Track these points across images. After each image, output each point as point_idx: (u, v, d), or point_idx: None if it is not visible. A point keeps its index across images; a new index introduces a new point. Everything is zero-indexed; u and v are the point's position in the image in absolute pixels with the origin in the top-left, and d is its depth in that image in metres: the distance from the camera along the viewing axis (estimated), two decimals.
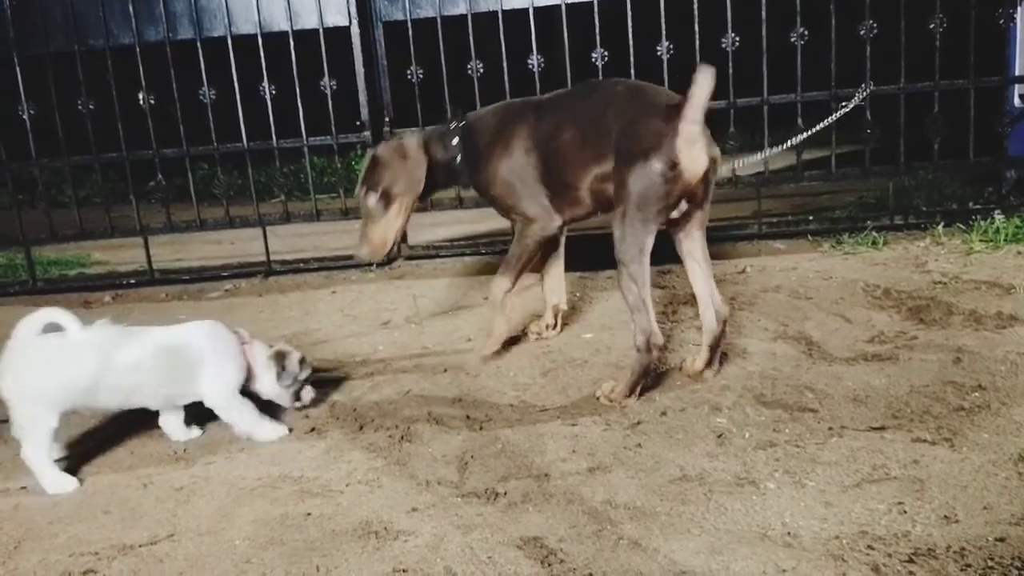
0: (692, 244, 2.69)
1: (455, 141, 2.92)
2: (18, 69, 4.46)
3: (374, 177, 2.92)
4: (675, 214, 2.57)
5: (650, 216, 2.48)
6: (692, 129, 2.41)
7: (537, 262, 3.07)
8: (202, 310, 4.15)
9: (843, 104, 2.95)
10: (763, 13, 4.22)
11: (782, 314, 3.23)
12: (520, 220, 2.87)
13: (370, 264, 2.92)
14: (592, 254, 3.92)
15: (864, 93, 2.97)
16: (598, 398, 2.59)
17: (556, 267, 3.22)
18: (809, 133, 2.99)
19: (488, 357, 2.98)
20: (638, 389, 2.56)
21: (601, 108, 2.65)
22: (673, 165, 2.43)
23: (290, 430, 2.54)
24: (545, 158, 2.76)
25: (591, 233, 3.42)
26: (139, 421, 2.77)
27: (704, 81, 2.37)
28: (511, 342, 3.16)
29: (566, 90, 2.98)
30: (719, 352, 2.71)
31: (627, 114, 2.57)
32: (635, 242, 2.48)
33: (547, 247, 3.03)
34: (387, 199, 2.92)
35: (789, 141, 2.99)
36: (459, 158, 2.92)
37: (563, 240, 3.14)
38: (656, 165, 2.43)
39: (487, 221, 5.21)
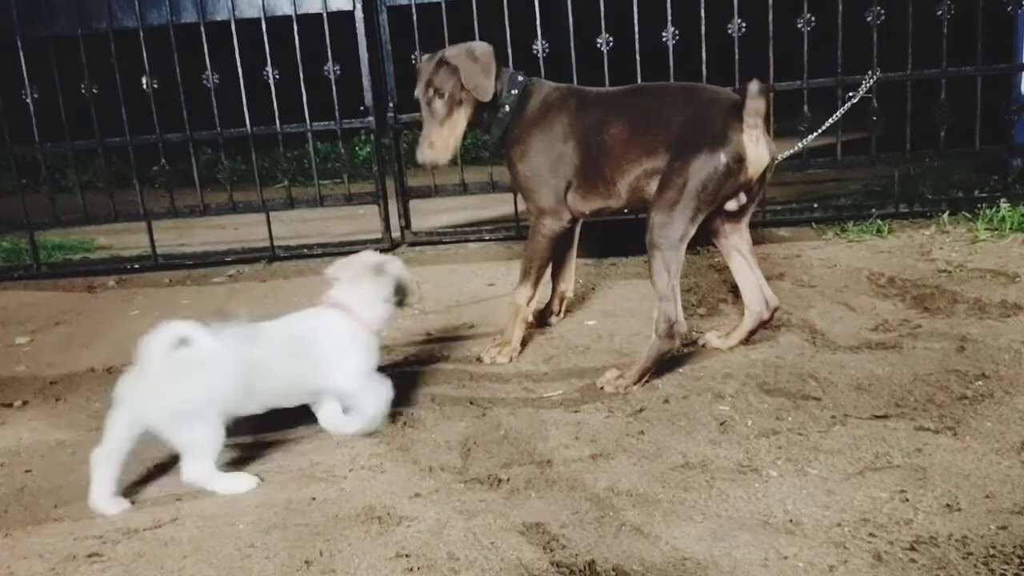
0: (739, 238, 2.79)
1: (514, 91, 2.86)
2: (21, 52, 4.45)
3: (440, 78, 2.81)
4: (732, 206, 2.62)
5: (702, 206, 2.54)
6: (757, 125, 2.49)
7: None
8: (205, 295, 4.15)
9: (851, 95, 2.94)
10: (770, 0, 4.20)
11: (786, 302, 3.22)
12: (532, 210, 2.88)
13: (431, 163, 2.86)
14: (595, 242, 3.93)
15: (871, 81, 2.96)
16: (601, 388, 2.59)
17: (568, 253, 3.21)
18: (836, 116, 2.98)
19: (504, 363, 2.90)
20: (647, 375, 2.57)
21: (656, 104, 2.70)
22: (739, 158, 2.50)
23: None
24: (586, 150, 2.76)
25: (596, 221, 3.40)
26: None
27: (757, 85, 2.45)
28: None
29: (621, 87, 2.98)
30: (752, 336, 2.85)
31: (689, 107, 2.62)
32: (679, 229, 2.53)
33: (561, 241, 2.98)
34: (452, 102, 2.83)
35: (828, 121, 3.00)
36: (507, 111, 2.87)
37: (578, 230, 3.13)
38: (723, 156, 2.49)
39: (491, 207, 5.22)
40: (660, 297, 2.55)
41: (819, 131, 3.02)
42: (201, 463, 2.10)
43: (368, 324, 2.42)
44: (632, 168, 2.69)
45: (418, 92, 2.87)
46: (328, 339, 2.35)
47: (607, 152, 2.72)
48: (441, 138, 2.86)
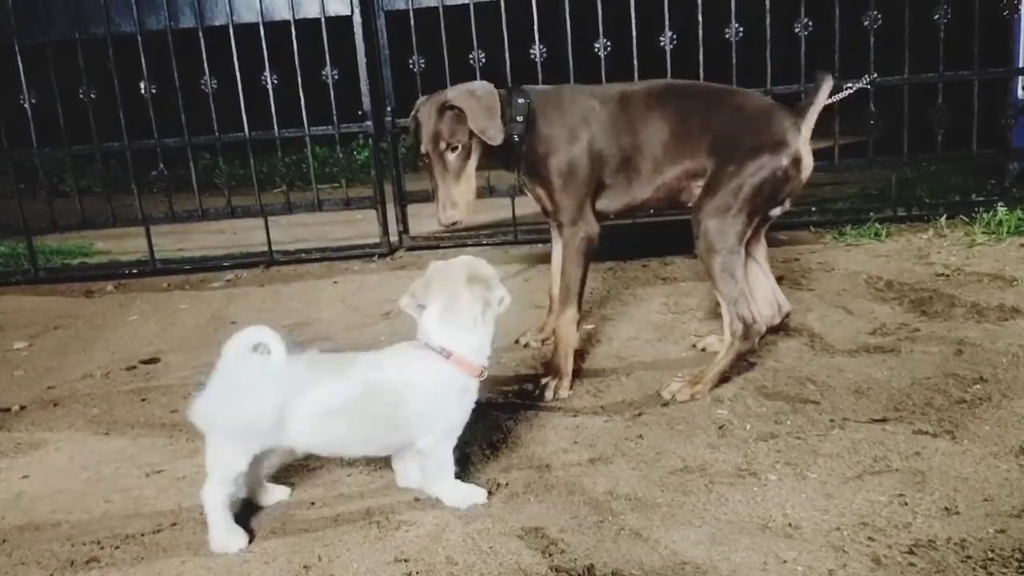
0: (756, 244, 2.76)
1: (519, 118, 2.63)
2: (19, 57, 4.45)
3: (448, 127, 2.56)
4: (777, 211, 2.63)
5: (758, 210, 2.54)
6: (809, 132, 2.52)
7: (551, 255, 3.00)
8: (203, 299, 4.15)
9: (848, 84, 2.92)
10: (767, 3, 4.20)
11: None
12: (565, 223, 2.69)
13: (454, 223, 2.60)
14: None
15: (869, 78, 2.96)
16: (670, 398, 2.49)
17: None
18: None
19: (563, 398, 2.60)
20: (720, 380, 2.55)
21: (692, 104, 2.67)
22: (797, 162, 2.51)
23: (490, 493, 2.01)
24: (618, 152, 2.66)
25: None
26: (135, 411, 2.78)
27: (826, 88, 2.48)
28: (510, 336, 3.15)
29: (639, 85, 2.85)
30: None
31: (733, 109, 2.60)
32: (736, 233, 2.51)
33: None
34: (465, 152, 2.59)
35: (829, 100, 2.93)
36: (516, 140, 2.65)
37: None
38: (783, 160, 2.49)
39: (488, 211, 5.20)
40: (729, 301, 2.52)
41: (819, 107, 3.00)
42: (209, 486, 1.87)
43: (474, 369, 1.96)
44: (672, 169, 2.64)
45: (426, 146, 2.60)
46: (419, 397, 1.91)
47: (643, 152, 2.65)
48: (461, 194, 2.62)
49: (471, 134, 2.57)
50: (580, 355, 2.94)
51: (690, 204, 2.64)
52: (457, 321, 1.93)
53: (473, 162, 2.62)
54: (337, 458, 2.12)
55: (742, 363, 2.62)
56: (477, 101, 2.56)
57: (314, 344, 2.01)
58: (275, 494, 2.07)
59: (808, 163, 2.54)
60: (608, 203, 2.74)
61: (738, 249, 2.52)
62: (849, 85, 2.95)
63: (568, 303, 2.71)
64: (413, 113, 2.69)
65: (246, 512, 1.99)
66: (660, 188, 2.69)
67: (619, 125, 2.68)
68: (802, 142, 2.51)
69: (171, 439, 2.51)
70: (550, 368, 2.68)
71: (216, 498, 1.86)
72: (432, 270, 2.00)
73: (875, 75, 4.02)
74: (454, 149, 2.58)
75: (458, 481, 2.00)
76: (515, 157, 2.69)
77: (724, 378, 2.55)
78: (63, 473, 2.34)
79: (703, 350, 2.87)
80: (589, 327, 3.24)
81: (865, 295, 3.32)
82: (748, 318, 2.51)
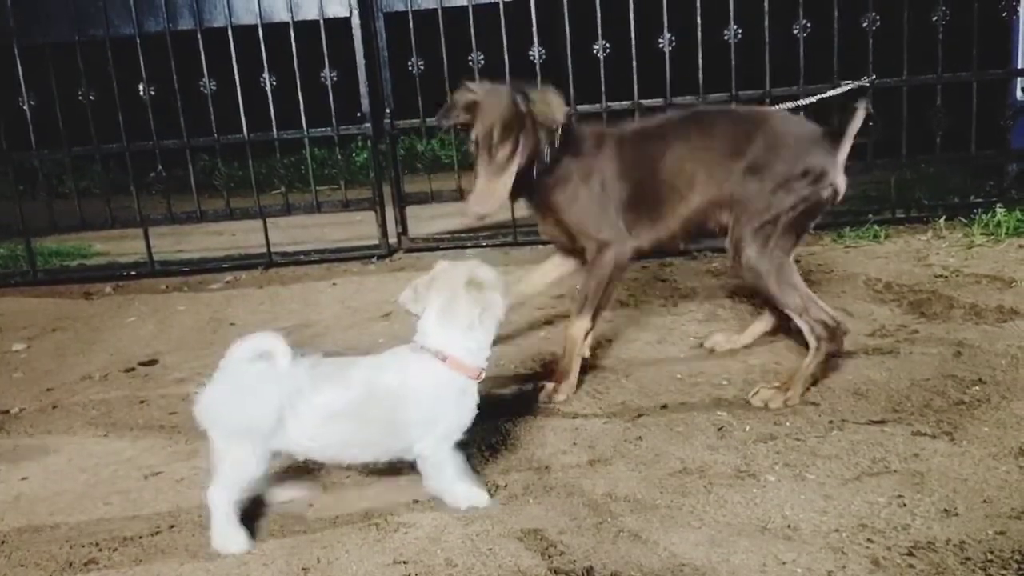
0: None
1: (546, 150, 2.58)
2: (19, 59, 4.45)
3: (509, 122, 2.48)
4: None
5: (797, 235, 2.54)
6: (844, 159, 2.52)
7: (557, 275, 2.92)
8: (202, 301, 4.15)
9: (844, 82, 2.92)
10: (766, 5, 4.21)
11: None
12: (592, 245, 2.64)
13: (482, 217, 2.53)
14: None
15: (867, 79, 2.97)
16: (763, 405, 2.42)
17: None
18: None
19: (563, 401, 2.58)
20: (810, 383, 2.51)
21: (717, 135, 2.60)
22: (835, 191, 2.51)
23: (489, 494, 2.00)
24: (640, 186, 2.62)
25: None
26: (134, 413, 2.78)
27: (860, 116, 2.48)
28: (507, 338, 3.15)
29: (660, 116, 2.82)
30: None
31: (771, 139, 2.54)
32: (779, 256, 2.50)
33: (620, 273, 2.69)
34: (514, 150, 2.51)
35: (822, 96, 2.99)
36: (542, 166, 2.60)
37: None
38: (825, 190, 2.49)
39: None
40: (799, 312, 2.49)
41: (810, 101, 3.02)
42: (214, 488, 1.86)
43: (472, 371, 1.95)
44: (698, 201, 2.59)
45: (482, 133, 2.52)
46: (418, 398, 1.91)
47: (667, 185, 2.60)
48: (496, 190, 2.54)
49: (527, 136, 2.50)
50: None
51: (719, 231, 2.61)
52: (455, 323, 1.92)
53: (515, 164, 2.52)
54: (336, 464, 2.10)
55: (831, 365, 2.58)
56: (512, 112, 2.49)
57: (314, 346, 2.01)
58: (289, 492, 2.07)
59: (843, 190, 2.54)
60: (636, 240, 2.66)
61: (785, 260, 2.51)
62: (846, 82, 2.97)
63: (583, 311, 2.64)
64: (468, 96, 2.57)
65: (247, 513, 1.99)
66: (689, 221, 2.63)
67: (645, 158, 2.63)
68: (839, 171, 2.51)
69: (170, 441, 2.51)
70: (556, 371, 2.67)
71: (221, 500, 1.86)
72: (437, 270, 1.99)
73: (873, 76, 4.02)
74: (506, 144, 2.49)
75: (458, 481, 1.96)
76: (541, 170, 2.61)
77: (814, 381, 2.51)
78: (62, 475, 2.34)
79: (712, 351, 2.87)
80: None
81: (864, 296, 3.32)
82: (827, 320, 2.49)
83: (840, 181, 2.51)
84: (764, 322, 2.86)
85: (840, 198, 2.54)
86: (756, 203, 2.50)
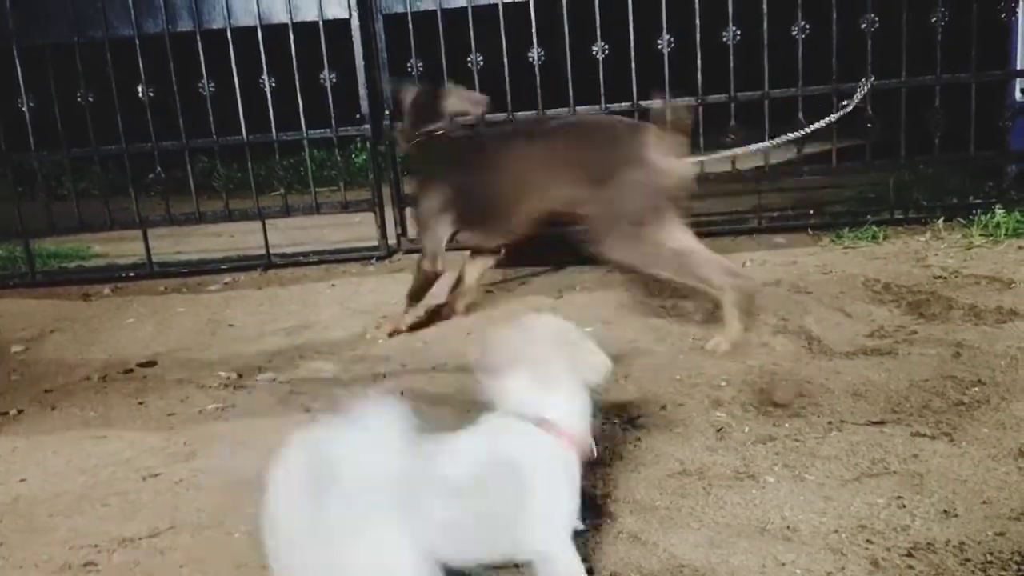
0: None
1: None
2: (17, 60, 4.45)
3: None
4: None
5: (650, 216, 2.90)
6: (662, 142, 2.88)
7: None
8: (201, 303, 4.14)
9: (843, 103, 2.97)
10: (764, 6, 4.21)
11: (782, 308, 3.22)
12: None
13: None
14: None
15: (864, 89, 3.03)
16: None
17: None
18: (809, 130, 3.14)
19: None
20: None
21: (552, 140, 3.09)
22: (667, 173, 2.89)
23: None
24: (478, 191, 3.12)
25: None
26: (133, 414, 2.78)
27: (663, 105, 2.98)
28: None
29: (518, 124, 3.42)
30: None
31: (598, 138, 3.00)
32: (638, 238, 2.91)
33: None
34: None
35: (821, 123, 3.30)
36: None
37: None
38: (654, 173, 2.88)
39: None
40: (679, 279, 2.90)
41: (808, 130, 3.10)
42: None
43: (581, 445, 1.59)
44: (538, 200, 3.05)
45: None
46: (539, 475, 1.51)
47: (509, 187, 3.09)
48: None
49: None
50: None
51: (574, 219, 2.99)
52: (557, 391, 1.57)
53: None
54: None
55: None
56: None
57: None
58: None
59: (671, 169, 2.82)
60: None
61: (649, 240, 2.81)
62: (845, 103, 3.07)
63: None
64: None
65: None
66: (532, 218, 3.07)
67: (489, 163, 3.15)
68: (656, 152, 2.80)
69: (168, 442, 2.51)
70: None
71: None
72: (525, 330, 1.65)
73: (872, 78, 4.02)
74: None
75: None
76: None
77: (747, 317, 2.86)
78: (60, 476, 2.34)
79: (715, 352, 2.87)
80: (588, 330, 3.23)
81: (863, 297, 3.32)
82: (710, 273, 2.84)
83: (667, 165, 2.82)
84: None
85: (673, 180, 2.83)
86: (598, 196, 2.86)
